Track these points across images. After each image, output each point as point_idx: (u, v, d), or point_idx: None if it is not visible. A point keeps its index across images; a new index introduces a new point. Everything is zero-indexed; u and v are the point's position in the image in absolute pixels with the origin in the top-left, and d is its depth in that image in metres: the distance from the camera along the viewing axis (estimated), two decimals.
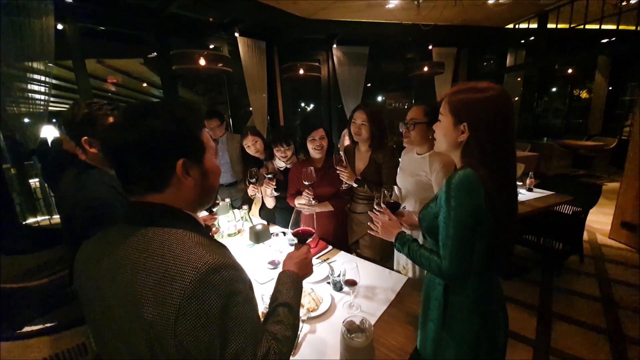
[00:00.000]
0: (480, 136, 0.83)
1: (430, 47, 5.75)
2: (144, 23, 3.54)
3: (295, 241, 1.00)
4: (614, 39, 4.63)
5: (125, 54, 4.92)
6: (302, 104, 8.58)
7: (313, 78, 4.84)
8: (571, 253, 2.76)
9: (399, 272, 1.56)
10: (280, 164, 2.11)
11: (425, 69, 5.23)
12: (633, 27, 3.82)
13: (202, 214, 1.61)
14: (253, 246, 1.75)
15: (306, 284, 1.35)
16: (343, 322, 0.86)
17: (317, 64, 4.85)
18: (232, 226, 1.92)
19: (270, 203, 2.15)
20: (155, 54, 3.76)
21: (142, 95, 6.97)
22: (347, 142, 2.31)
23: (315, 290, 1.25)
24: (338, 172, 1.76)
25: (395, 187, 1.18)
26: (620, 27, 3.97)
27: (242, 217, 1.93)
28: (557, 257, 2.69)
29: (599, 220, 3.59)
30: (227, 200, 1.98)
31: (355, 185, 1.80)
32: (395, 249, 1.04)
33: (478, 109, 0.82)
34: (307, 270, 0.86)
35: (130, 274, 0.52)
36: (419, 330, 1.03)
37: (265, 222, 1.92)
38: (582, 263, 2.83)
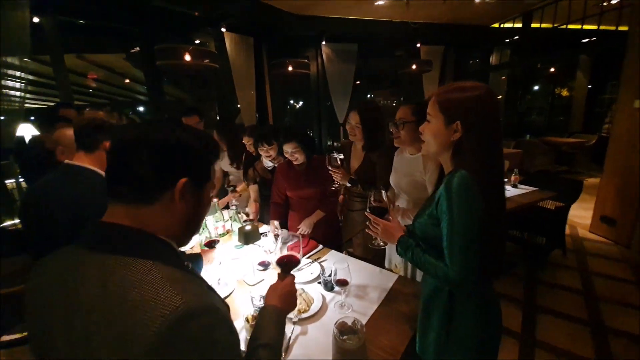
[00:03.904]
0: (472, 134, 0.82)
1: (418, 45, 5.78)
2: (127, 17, 3.42)
3: (279, 270, 0.90)
4: (594, 38, 4.79)
5: (107, 48, 4.74)
6: (292, 102, 8.52)
7: (302, 75, 4.80)
8: (554, 247, 2.84)
9: (390, 270, 1.57)
10: (267, 163, 2.08)
11: (414, 66, 5.27)
12: (613, 27, 3.95)
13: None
14: (242, 247, 1.72)
15: (297, 284, 1.34)
16: (335, 323, 0.85)
17: (306, 60, 4.80)
18: (220, 227, 1.88)
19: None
20: (138, 49, 3.64)
21: (124, 92, 6.75)
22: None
23: (306, 291, 1.24)
24: (331, 172, 1.73)
25: (383, 191, 1.16)
26: (601, 28, 4.09)
27: (230, 218, 1.89)
28: (541, 252, 2.77)
29: (580, 215, 3.71)
30: (215, 200, 1.94)
31: (348, 184, 1.78)
32: (397, 253, 1.00)
33: (470, 107, 0.82)
34: (291, 303, 0.79)
35: (86, 321, 0.43)
36: (417, 336, 1.02)
37: (254, 222, 1.89)
38: (565, 257, 2.92)
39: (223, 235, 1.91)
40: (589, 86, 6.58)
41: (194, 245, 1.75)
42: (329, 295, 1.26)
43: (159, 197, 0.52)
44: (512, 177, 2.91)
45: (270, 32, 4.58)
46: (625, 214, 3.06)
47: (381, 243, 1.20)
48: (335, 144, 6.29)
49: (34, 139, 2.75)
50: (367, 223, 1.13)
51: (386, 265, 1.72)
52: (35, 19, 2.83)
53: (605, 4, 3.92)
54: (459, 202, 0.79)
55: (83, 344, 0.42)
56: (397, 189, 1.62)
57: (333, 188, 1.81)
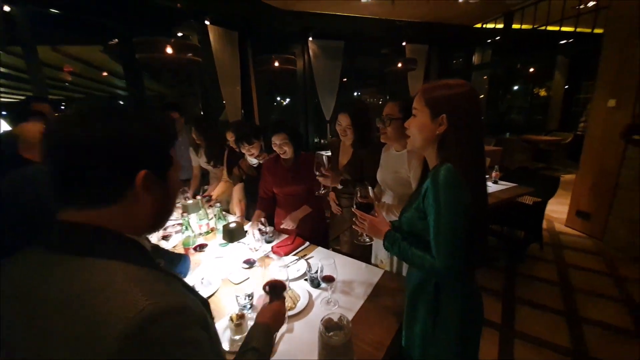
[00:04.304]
0: (457, 128, 0.84)
1: (403, 43, 5.84)
2: (104, 7, 3.27)
3: (267, 296, 0.93)
4: (571, 40, 4.98)
5: (83, 40, 4.53)
6: (279, 98, 8.44)
7: (288, 71, 4.74)
8: (532, 241, 2.95)
9: (376, 265, 1.58)
10: (252, 160, 2.05)
11: (399, 65, 5.33)
12: (589, 30, 4.11)
13: None
14: (227, 245, 1.69)
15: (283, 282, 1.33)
16: (321, 320, 0.84)
17: (292, 56, 4.76)
18: (204, 225, 1.84)
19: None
20: (116, 40, 3.49)
21: (102, 86, 6.47)
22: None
23: (292, 288, 1.23)
24: (318, 177, 1.67)
25: (370, 187, 1.16)
26: (578, 30, 4.26)
27: (215, 215, 1.85)
28: (519, 245, 2.87)
29: (556, 210, 3.87)
30: (199, 197, 1.89)
31: (340, 187, 1.74)
32: (384, 248, 1.01)
33: (455, 100, 0.84)
34: (280, 321, 0.88)
35: (48, 325, 0.40)
36: (403, 329, 1.04)
37: (239, 220, 1.86)
38: (542, 250, 3.03)
39: (207, 233, 1.86)
40: (566, 86, 6.84)
41: (176, 244, 1.70)
42: (315, 292, 1.26)
43: (118, 196, 0.48)
44: (493, 174, 3.00)
45: (255, 27, 4.50)
46: (599, 209, 3.21)
47: (367, 239, 1.20)
48: (322, 141, 6.29)
49: (6, 134, 2.60)
50: (353, 219, 1.13)
51: (372, 260, 1.73)
52: (6, 8, 2.67)
53: (582, 6, 4.07)
54: (446, 194, 0.81)
55: (45, 348, 0.40)
56: (383, 185, 1.63)
57: (321, 193, 1.75)
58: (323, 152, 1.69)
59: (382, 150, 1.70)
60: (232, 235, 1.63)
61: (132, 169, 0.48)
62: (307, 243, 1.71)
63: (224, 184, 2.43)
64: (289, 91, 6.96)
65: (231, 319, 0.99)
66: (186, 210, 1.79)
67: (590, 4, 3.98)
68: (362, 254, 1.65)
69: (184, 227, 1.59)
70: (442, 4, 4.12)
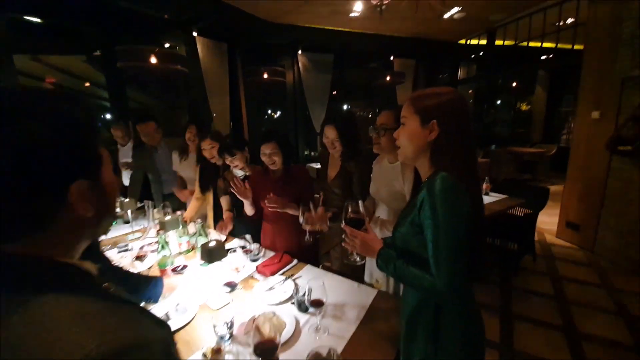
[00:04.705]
0: (449, 134, 0.80)
1: (391, 58, 5.95)
2: (86, 16, 3.18)
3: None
4: (551, 55, 5.18)
5: (65, 50, 4.40)
6: (270, 111, 8.43)
7: (278, 83, 4.73)
8: (525, 253, 2.91)
9: (371, 285, 1.48)
10: (238, 172, 1.95)
11: (388, 78, 5.41)
12: (569, 46, 4.27)
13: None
14: (207, 265, 1.56)
15: (268, 306, 1.21)
16: (307, 356, 0.73)
17: (281, 68, 4.75)
18: (184, 243, 1.70)
19: (250, 210, 1.87)
20: (99, 52, 3.39)
21: (87, 98, 6.30)
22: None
23: (277, 314, 1.10)
24: (304, 227, 1.50)
25: (360, 201, 1.07)
26: (559, 46, 4.42)
27: (195, 233, 1.71)
28: (513, 258, 2.82)
29: (545, 221, 3.87)
30: (179, 213, 1.76)
31: (327, 227, 1.56)
32: (377, 267, 0.92)
33: (445, 106, 0.81)
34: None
35: None
36: (401, 355, 0.94)
37: (221, 238, 1.72)
38: (535, 263, 2.99)
39: (188, 252, 1.73)
40: (547, 100, 7.07)
41: (152, 265, 1.56)
42: (303, 318, 1.14)
43: (53, 218, 0.39)
44: (484, 185, 2.98)
45: (245, 39, 4.49)
46: (588, 220, 3.22)
47: (357, 259, 1.11)
48: (312, 153, 6.25)
49: None
50: (342, 236, 1.04)
51: (366, 279, 1.62)
52: None
53: (561, 23, 4.24)
54: (444, 205, 0.74)
55: None
56: (377, 198, 1.55)
57: (308, 240, 1.56)
58: (313, 165, 1.60)
59: (374, 162, 1.63)
60: (211, 255, 1.48)
61: (60, 185, 0.38)
62: (295, 261, 1.60)
63: (196, 203, 2.22)
64: (279, 104, 6.95)
65: (204, 355, 0.86)
66: (163, 227, 1.65)
67: (569, 20, 4.14)
68: (354, 271, 1.55)
69: (160, 246, 1.45)
70: (428, 19, 4.22)
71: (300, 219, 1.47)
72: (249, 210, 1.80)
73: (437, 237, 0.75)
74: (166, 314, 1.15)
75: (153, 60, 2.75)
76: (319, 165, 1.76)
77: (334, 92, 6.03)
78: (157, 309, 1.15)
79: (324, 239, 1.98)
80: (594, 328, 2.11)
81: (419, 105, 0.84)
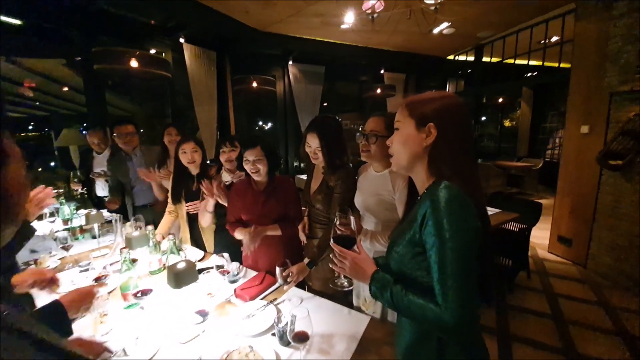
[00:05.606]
0: (447, 137, 0.72)
1: (382, 71, 6.00)
2: (68, 19, 3.03)
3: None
4: (535, 73, 5.31)
5: (44, 53, 4.20)
6: (260, 123, 8.33)
7: (268, 92, 4.64)
8: (520, 269, 2.82)
9: (359, 308, 1.33)
10: (226, 177, 1.81)
11: (378, 90, 5.43)
12: (556, 64, 4.37)
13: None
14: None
15: (245, 338, 1.04)
16: None
17: (271, 78, 4.67)
18: (155, 261, 1.52)
19: (206, 220, 1.79)
20: (79, 58, 3.22)
21: (62, 102, 6.04)
22: None
23: (254, 349, 0.95)
24: (284, 287, 1.37)
25: (352, 216, 0.93)
26: (546, 64, 4.52)
27: (168, 249, 1.52)
28: (508, 274, 2.72)
29: (537, 235, 3.82)
30: (150, 227, 1.58)
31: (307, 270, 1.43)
32: (370, 295, 0.78)
33: (443, 107, 0.73)
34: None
35: None
36: None
37: (191, 259, 1.53)
38: (529, 279, 2.91)
39: (160, 271, 1.54)
40: (532, 116, 7.24)
41: (113, 289, 1.36)
42: (284, 353, 0.98)
43: None
44: None
45: (234, 48, 4.40)
46: (580, 235, 3.18)
47: (345, 283, 0.96)
48: (302, 165, 6.13)
49: None
50: (330, 256, 0.88)
51: (354, 301, 1.48)
52: None
53: (547, 41, 4.35)
54: (451, 219, 0.63)
55: None
56: (363, 210, 1.42)
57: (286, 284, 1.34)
58: (303, 177, 1.46)
59: (359, 171, 1.51)
60: (179, 279, 1.27)
61: None
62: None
63: (169, 217, 1.99)
64: (269, 114, 6.87)
65: None
66: (129, 244, 1.47)
67: (554, 38, 4.25)
68: (337, 292, 1.37)
69: (123, 266, 1.25)
70: (417, 35, 4.25)
71: (279, 280, 1.28)
72: (207, 217, 1.76)
73: (443, 259, 0.63)
74: (123, 350, 0.97)
75: (134, 63, 2.60)
76: (304, 177, 1.61)
77: (325, 104, 6.00)
78: (113, 343, 0.97)
79: (308, 254, 1.81)
80: (594, 349, 2.02)
81: (414, 108, 0.76)
